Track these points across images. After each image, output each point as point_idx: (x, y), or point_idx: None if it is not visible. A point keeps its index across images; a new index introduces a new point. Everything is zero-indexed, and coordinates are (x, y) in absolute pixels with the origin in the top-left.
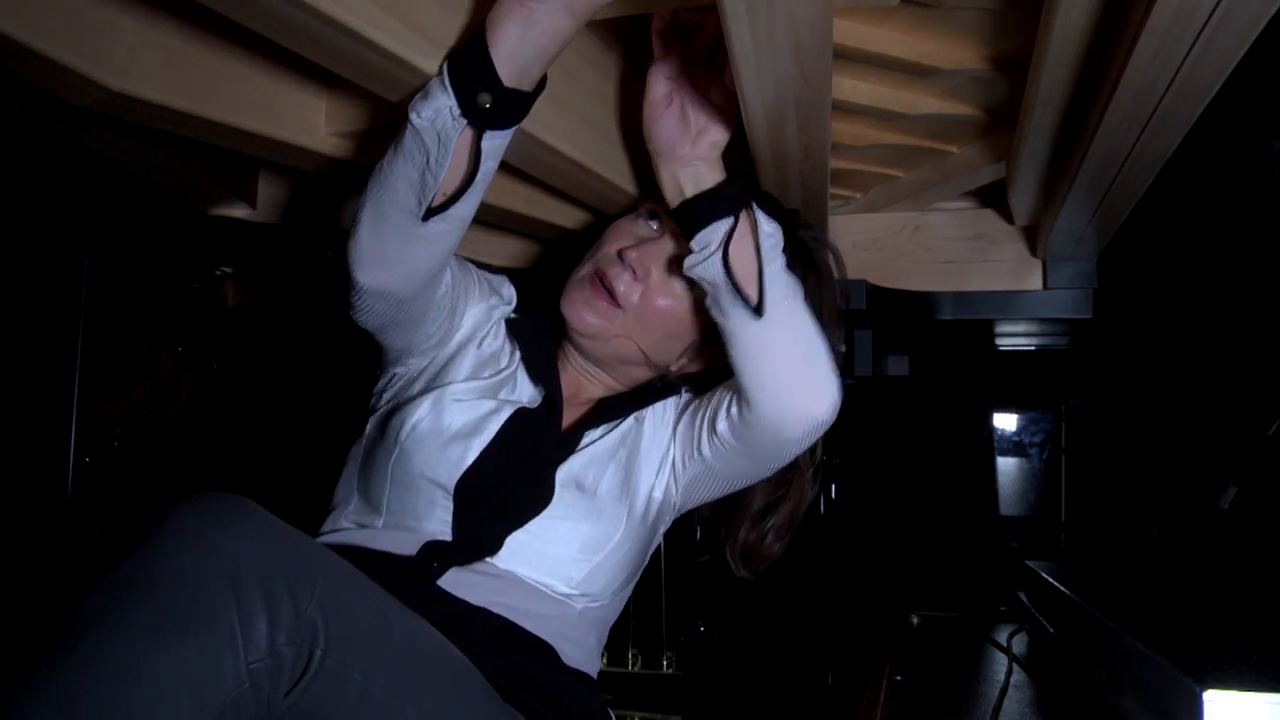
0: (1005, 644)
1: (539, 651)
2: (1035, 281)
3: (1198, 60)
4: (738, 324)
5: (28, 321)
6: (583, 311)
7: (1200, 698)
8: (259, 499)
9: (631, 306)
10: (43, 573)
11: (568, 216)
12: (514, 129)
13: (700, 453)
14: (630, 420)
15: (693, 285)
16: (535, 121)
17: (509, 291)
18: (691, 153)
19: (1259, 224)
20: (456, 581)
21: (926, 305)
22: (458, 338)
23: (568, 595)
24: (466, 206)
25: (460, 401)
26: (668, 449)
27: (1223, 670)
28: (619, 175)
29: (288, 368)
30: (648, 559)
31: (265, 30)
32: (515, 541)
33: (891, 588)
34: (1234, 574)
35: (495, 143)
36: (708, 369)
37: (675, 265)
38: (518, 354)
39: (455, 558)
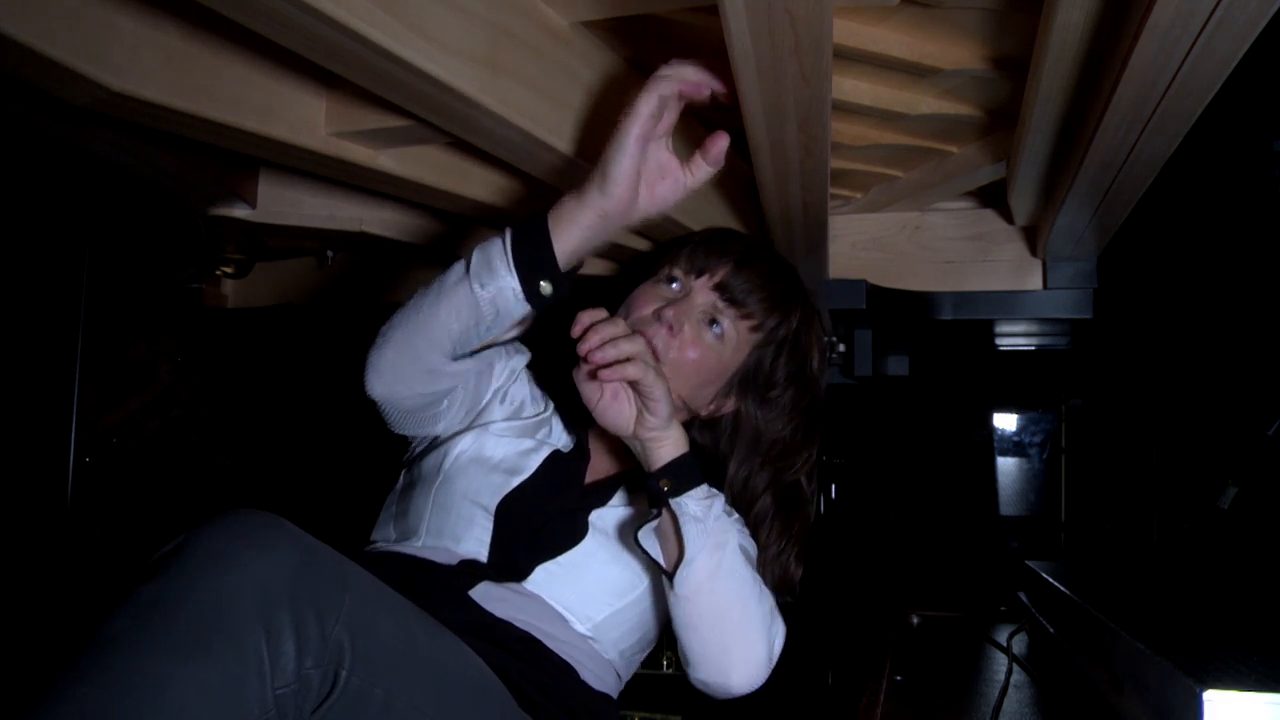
0: (1005, 644)
1: (561, 667)
2: (1035, 281)
3: (1198, 60)
4: (666, 590)
5: (28, 321)
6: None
7: (1200, 698)
8: (261, 500)
9: (669, 361)
10: (42, 573)
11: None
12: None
13: None
14: None
15: (722, 335)
16: (535, 122)
17: (520, 355)
18: (642, 431)
19: (1259, 224)
20: (486, 594)
21: (926, 305)
22: (486, 399)
23: (584, 636)
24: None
25: (502, 438)
26: None
27: (1223, 670)
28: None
29: (289, 368)
30: (658, 637)
31: (265, 30)
32: (545, 571)
33: (891, 588)
34: (1234, 574)
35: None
36: (737, 410)
37: (704, 318)
38: (551, 403)
39: (489, 574)
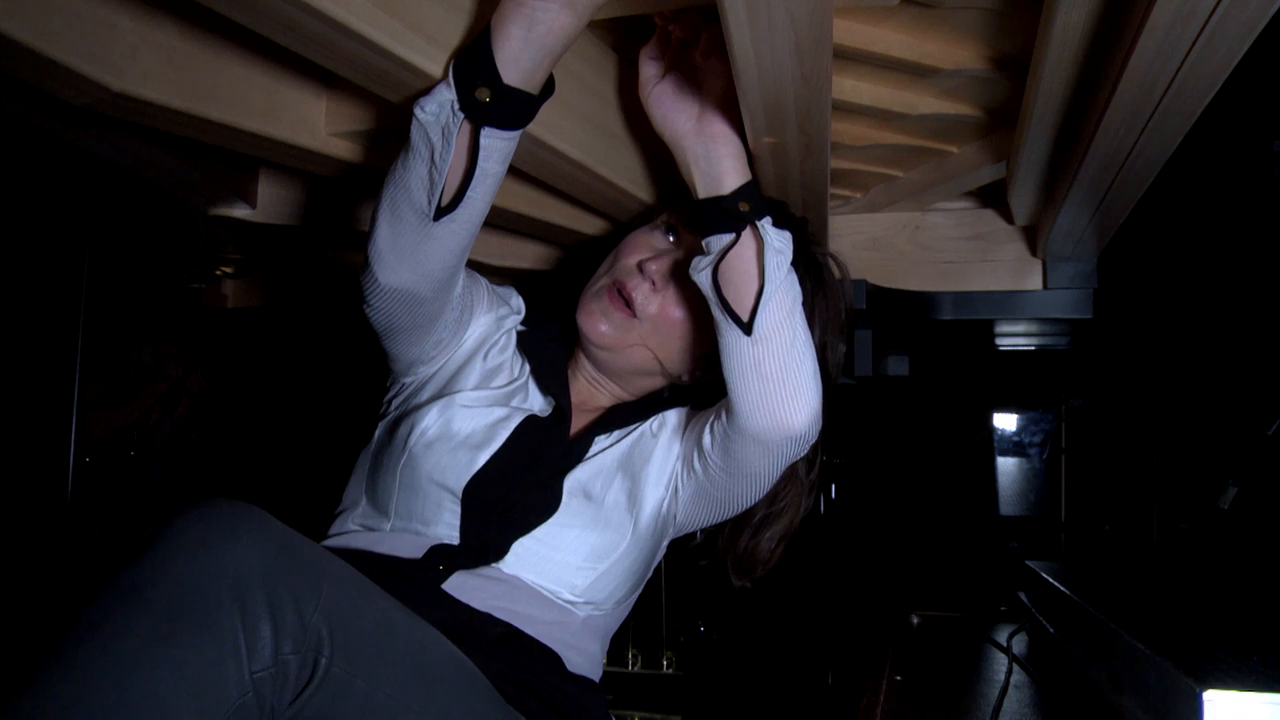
0: (1005, 644)
1: (542, 657)
2: (1035, 281)
3: (1198, 60)
4: (727, 337)
5: (28, 322)
6: (599, 323)
7: (1200, 698)
8: (261, 499)
9: (649, 317)
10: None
11: (571, 218)
12: (518, 131)
13: (693, 469)
14: (640, 430)
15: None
16: (537, 122)
17: (518, 302)
18: (698, 138)
19: (1259, 224)
20: (461, 585)
21: (926, 305)
22: (466, 347)
23: (571, 603)
24: (471, 206)
25: (469, 409)
26: (673, 464)
27: (1223, 670)
28: (620, 175)
29: (289, 368)
30: (651, 571)
31: (265, 30)
32: (521, 547)
33: (891, 588)
34: (1234, 574)
35: (495, 141)
36: (719, 378)
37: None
38: (527, 366)
39: (461, 561)
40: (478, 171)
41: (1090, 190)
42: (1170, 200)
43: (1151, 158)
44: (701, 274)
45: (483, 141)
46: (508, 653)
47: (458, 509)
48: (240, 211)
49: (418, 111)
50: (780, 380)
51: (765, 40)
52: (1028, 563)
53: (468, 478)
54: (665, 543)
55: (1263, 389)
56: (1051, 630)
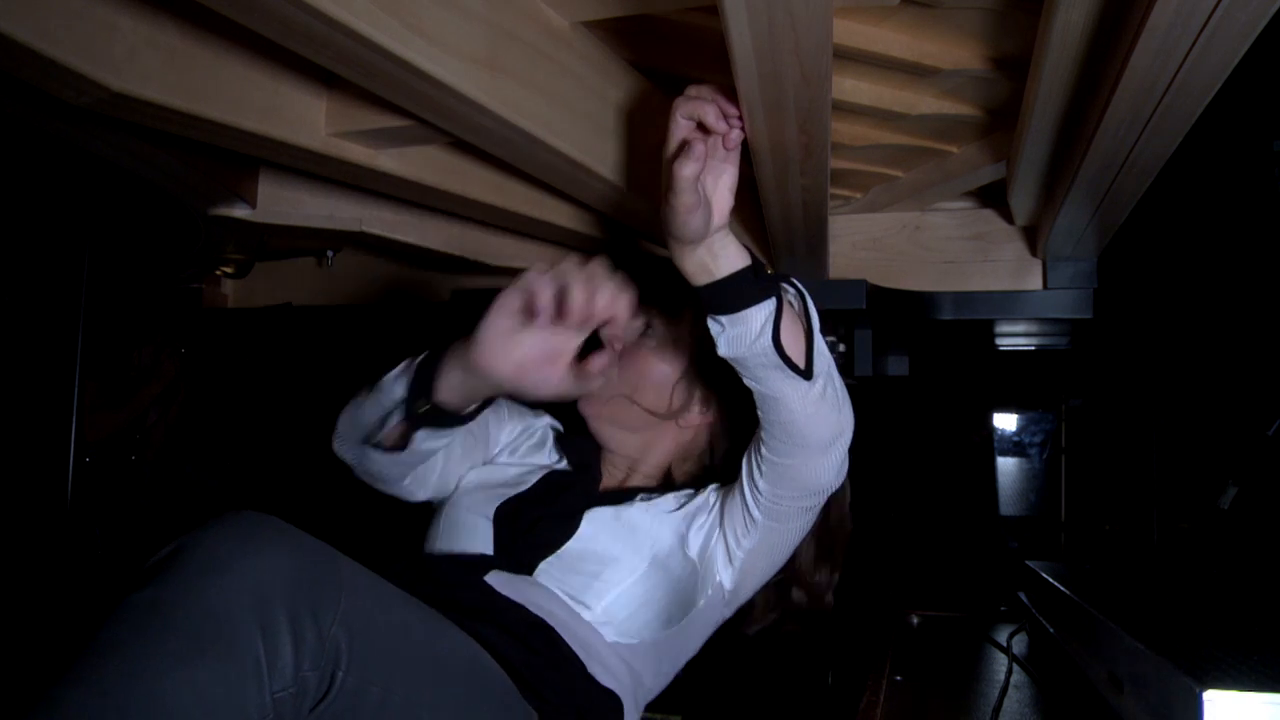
0: (1005, 644)
1: (570, 657)
2: (1035, 281)
3: (1198, 60)
4: (787, 388)
5: (28, 322)
6: (587, 403)
7: (1200, 698)
8: (261, 498)
9: (618, 366)
10: (43, 574)
11: (571, 218)
12: (448, 431)
13: (752, 517)
14: (677, 493)
15: (647, 332)
16: (536, 122)
17: (548, 419)
18: (716, 232)
19: (1259, 224)
20: (501, 581)
21: (926, 305)
22: (497, 450)
23: (592, 623)
24: (401, 465)
25: (505, 465)
26: (713, 517)
27: (1223, 670)
28: (618, 174)
29: (289, 367)
30: (693, 629)
31: (265, 30)
32: (548, 564)
33: (891, 588)
34: (1234, 574)
35: (429, 442)
36: (730, 425)
37: (636, 334)
38: (564, 456)
39: (498, 564)
40: (406, 450)
41: (1090, 190)
42: (1170, 200)
43: (1151, 158)
44: (758, 344)
45: (416, 436)
46: (539, 640)
47: (490, 530)
48: (240, 211)
49: (380, 395)
50: (835, 397)
51: (765, 40)
52: (1028, 563)
53: (498, 504)
54: (712, 598)
55: (1263, 389)
56: (1051, 630)
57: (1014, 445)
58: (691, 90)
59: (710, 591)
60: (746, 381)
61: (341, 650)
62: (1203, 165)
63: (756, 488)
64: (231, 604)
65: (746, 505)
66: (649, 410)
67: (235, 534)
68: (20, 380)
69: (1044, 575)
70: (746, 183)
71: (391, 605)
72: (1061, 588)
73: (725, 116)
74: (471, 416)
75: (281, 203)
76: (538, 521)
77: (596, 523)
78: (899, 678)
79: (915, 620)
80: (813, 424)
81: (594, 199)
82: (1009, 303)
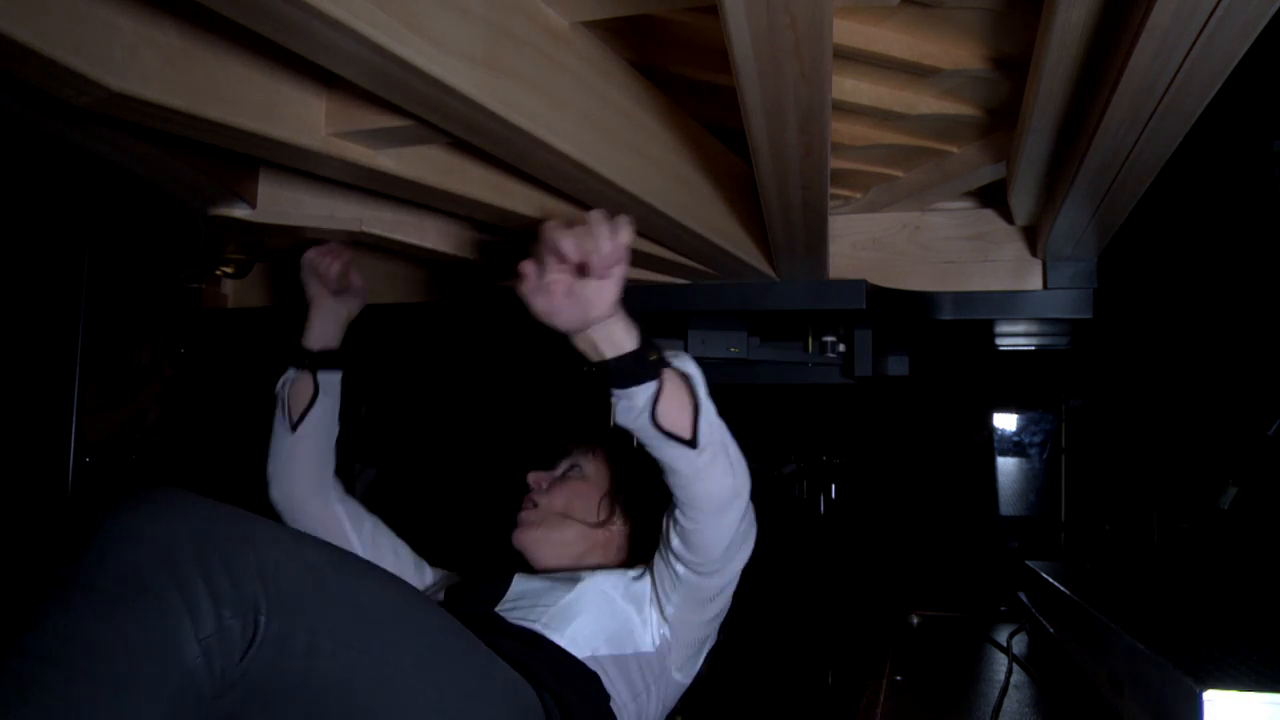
0: (1005, 644)
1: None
2: (1035, 281)
3: (1198, 60)
4: (671, 454)
5: (28, 322)
6: (521, 530)
7: (1200, 698)
8: (258, 498)
9: (543, 497)
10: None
11: (568, 217)
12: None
13: (675, 573)
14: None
15: (573, 470)
16: (536, 122)
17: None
18: (604, 316)
19: (1259, 224)
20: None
21: (926, 305)
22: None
23: (555, 641)
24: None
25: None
26: (645, 588)
27: (1223, 670)
28: (617, 174)
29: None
30: (629, 630)
31: (265, 30)
32: (503, 610)
33: (891, 588)
34: (1234, 574)
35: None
36: (639, 519)
37: (566, 469)
38: None
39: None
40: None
41: (1090, 190)
42: (1170, 200)
43: (1151, 158)
44: (639, 419)
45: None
46: (525, 636)
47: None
48: (240, 211)
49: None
50: (727, 463)
51: (765, 40)
52: (1028, 563)
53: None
54: (657, 633)
55: (1263, 389)
56: (1051, 630)
57: (1014, 445)
58: (544, 229)
59: (651, 638)
60: (647, 449)
61: (259, 598)
62: (1203, 165)
63: (672, 549)
64: (143, 563)
65: (670, 563)
66: (581, 520)
67: (142, 504)
68: (20, 380)
69: (1044, 575)
70: (747, 183)
71: (303, 555)
72: (1061, 588)
73: (586, 242)
74: (337, 355)
75: (281, 203)
76: (474, 591)
77: (522, 579)
78: (899, 678)
79: (915, 620)
80: (705, 487)
81: (594, 199)
82: (1009, 303)
